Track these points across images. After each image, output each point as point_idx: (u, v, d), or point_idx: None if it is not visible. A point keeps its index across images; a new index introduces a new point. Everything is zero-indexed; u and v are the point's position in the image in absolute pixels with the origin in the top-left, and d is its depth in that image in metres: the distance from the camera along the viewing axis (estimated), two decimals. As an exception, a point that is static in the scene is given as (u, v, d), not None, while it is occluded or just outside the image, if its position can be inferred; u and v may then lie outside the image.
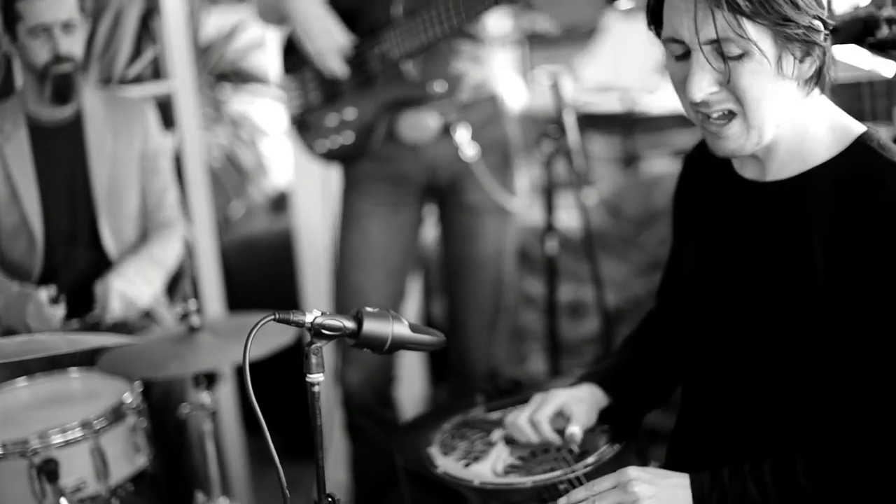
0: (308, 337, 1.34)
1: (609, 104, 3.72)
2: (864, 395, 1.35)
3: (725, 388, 1.51)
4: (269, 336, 2.06)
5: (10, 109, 2.55)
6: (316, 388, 1.31)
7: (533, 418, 1.69)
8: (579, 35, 3.97)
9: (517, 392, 1.99)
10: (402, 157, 2.57)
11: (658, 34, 1.43)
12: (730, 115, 1.38)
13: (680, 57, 1.39)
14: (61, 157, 2.55)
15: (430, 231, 3.00)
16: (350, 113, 2.55)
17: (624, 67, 3.74)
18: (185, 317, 2.24)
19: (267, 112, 4.42)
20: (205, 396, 2.29)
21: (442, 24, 2.31)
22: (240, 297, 3.43)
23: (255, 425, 1.31)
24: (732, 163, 1.52)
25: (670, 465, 1.55)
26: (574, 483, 1.59)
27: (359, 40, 2.49)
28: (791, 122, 1.40)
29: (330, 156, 2.64)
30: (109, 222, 2.57)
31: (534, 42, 4.17)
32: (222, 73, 4.37)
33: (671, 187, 1.72)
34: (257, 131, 4.45)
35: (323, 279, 3.37)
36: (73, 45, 2.45)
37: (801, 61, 1.36)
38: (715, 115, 1.39)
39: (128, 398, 2.15)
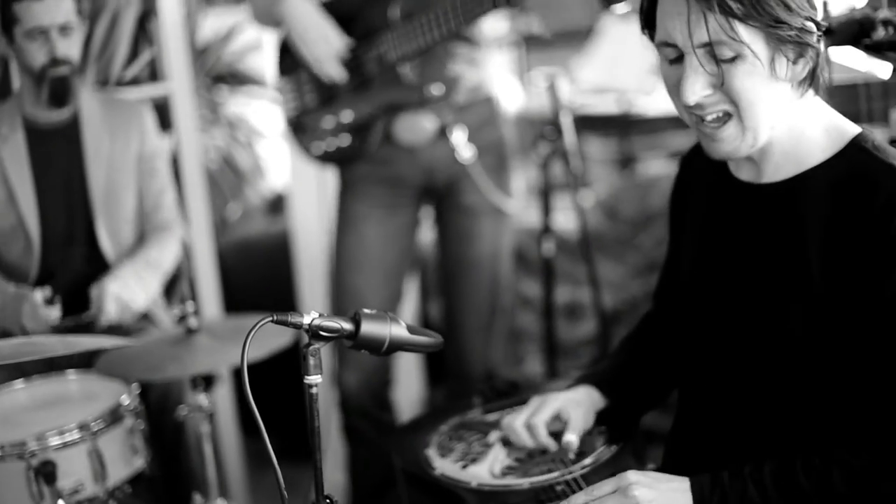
0: (306, 339, 1.33)
1: (605, 106, 3.71)
2: (861, 396, 1.35)
3: (722, 390, 1.51)
4: (267, 338, 2.06)
5: (7, 112, 2.55)
6: (314, 390, 1.31)
7: (529, 423, 1.69)
8: (576, 37, 3.97)
9: (514, 393, 1.99)
10: (398, 159, 2.57)
11: (652, 38, 1.43)
12: (725, 118, 1.38)
13: (673, 61, 1.39)
14: (58, 159, 2.55)
15: (427, 233, 2.99)
16: (346, 115, 2.55)
17: (620, 69, 3.73)
18: (182, 319, 2.23)
19: (264, 114, 4.42)
20: (202, 398, 2.28)
21: (440, 27, 2.31)
22: (237, 298, 3.43)
23: (252, 427, 1.31)
24: (728, 165, 1.52)
25: (667, 466, 1.55)
26: (571, 484, 1.59)
27: (355, 43, 2.49)
28: (786, 123, 1.41)
29: (326, 158, 2.64)
30: (106, 224, 2.57)
31: (530, 44, 4.17)
32: (219, 75, 4.37)
33: (667, 189, 1.73)
34: (254, 133, 4.45)
35: (320, 281, 3.38)
36: (70, 48, 2.45)
37: (795, 63, 1.36)
38: (710, 118, 1.39)
39: (125, 400, 2.15)
